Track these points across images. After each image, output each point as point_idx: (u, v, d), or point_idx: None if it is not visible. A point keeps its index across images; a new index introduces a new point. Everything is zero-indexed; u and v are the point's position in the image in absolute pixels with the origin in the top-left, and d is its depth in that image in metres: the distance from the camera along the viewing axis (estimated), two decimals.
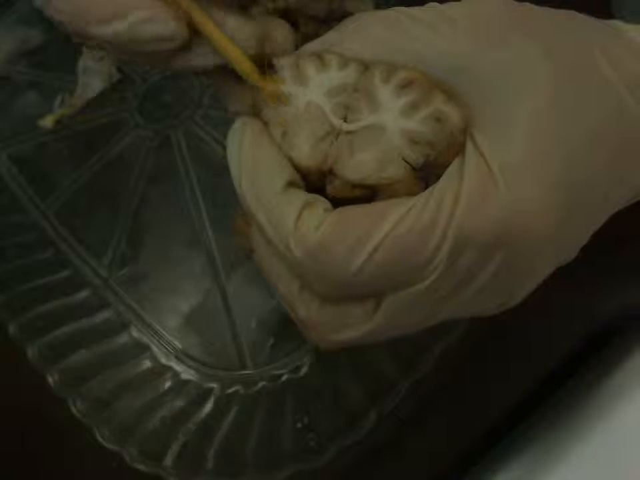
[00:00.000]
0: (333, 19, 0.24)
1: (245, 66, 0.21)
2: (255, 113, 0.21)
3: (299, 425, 0.32)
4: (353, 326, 0.20)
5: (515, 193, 0.18)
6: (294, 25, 0.24)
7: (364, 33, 0.21)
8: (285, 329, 0.35)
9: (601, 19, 0.21)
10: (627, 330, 0.35)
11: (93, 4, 0.20)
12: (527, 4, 0.21)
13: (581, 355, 0.35)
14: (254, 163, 0.20)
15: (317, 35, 0.23)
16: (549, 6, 0.21)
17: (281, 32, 0.23)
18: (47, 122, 0.43)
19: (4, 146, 0.43)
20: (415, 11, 0.20)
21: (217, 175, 0.39)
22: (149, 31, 0.20)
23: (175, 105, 0.42)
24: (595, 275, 0.35)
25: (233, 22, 0.21)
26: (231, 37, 0.21)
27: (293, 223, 0.19)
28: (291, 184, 0.20)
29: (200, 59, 0.22)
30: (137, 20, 0.20)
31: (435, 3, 0.21)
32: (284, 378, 0.35)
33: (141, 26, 0.20)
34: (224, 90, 0.23)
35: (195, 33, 0.21)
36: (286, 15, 0.24)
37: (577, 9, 0.21)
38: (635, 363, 0.31)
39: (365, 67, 0.20)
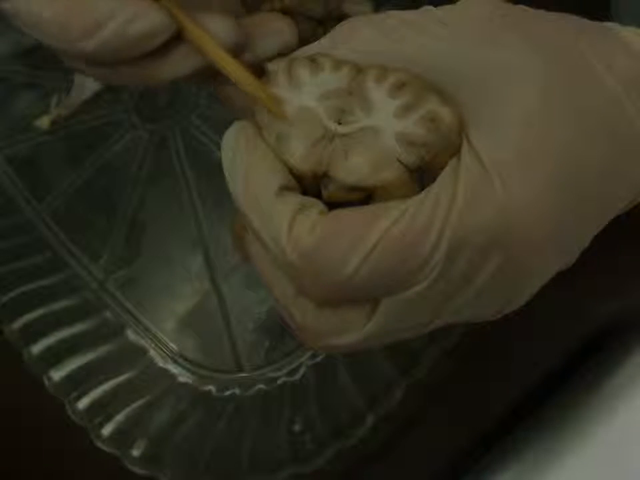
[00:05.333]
0: (329, 20, 0.23)
1: (241, 76, 0.21)
2: (250, 116, 0.21)
3: (296, 428, 0.32)
4: (350, 331, 0.20)
5: (511, 192, 0.18)
6: None
7: (354, 37, 0.21)
8: (281, 331, 0.35)
9: (596, 22, 0.21)
10: (627, 330, 0.35)
11: (74, 14, 0.20)
12: (521, 6, 0.21)
13: (581, 355, 0.35)
14: (248, 166, 0.20)
15: (313, 36, 0.22)
16: (548, 9, 0.21)
17: (283, 26, 0.23)
18: (43, 122, 0.42)
19: (0, 146, 0.43)
20: (407, 14, 0.20)
21: (215, 176, 0.39)
22: (136, 28, 0.20)
23: (171, 106, 0.42)
24: (596, 275, 0.34)
25: (220, 25, 0.21)
26: (219, 41, 0.21)
27: (287, 226, 0.19)
28: (285, 188, 0.20)
29: (180, 65, 0.22)
30: (123, 20, 0.20)
31: (429, 7, 0.21)
32: (280, 380, 0.35)
33: (127, 26, 0.20)
34: (223, 94, 0.23)
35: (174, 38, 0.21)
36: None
37: (576, 12, 0.21)
38: (635, 363, 0.31)
39: (358, 69, 0.20)
